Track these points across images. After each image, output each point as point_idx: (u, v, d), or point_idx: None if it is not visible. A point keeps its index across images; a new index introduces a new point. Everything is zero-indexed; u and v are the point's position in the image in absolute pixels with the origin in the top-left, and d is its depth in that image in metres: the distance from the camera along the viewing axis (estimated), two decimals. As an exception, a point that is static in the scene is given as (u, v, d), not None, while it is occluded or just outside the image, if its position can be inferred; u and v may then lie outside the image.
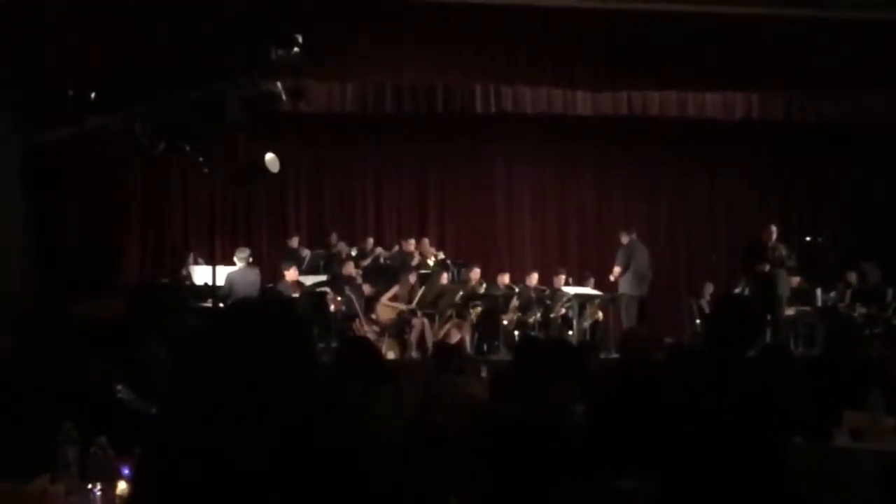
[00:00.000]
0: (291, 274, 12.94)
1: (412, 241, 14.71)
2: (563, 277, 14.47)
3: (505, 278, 14.36)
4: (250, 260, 12.65)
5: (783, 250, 13.14)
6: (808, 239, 14.55)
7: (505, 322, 13.60)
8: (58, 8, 11.71)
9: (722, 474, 4.03)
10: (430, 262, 14.42)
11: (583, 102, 13.83)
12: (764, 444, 4.07)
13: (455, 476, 4.42)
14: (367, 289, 13.60)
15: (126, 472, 3.23)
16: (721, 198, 16.74)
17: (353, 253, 14.39)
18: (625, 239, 13.91)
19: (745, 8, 12.96)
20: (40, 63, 11.80)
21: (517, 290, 14.05)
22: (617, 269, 13.77)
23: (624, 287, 13.64)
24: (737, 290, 14.30)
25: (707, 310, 14.12)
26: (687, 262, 16.49)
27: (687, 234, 16.66)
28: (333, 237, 14.84)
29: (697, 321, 14.25)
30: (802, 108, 14.25)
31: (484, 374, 9.61)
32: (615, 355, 10.48)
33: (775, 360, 5.86)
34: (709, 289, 14.77)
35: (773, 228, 13.35)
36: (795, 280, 14.03)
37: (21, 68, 11.92)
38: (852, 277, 14.17)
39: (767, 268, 12.99)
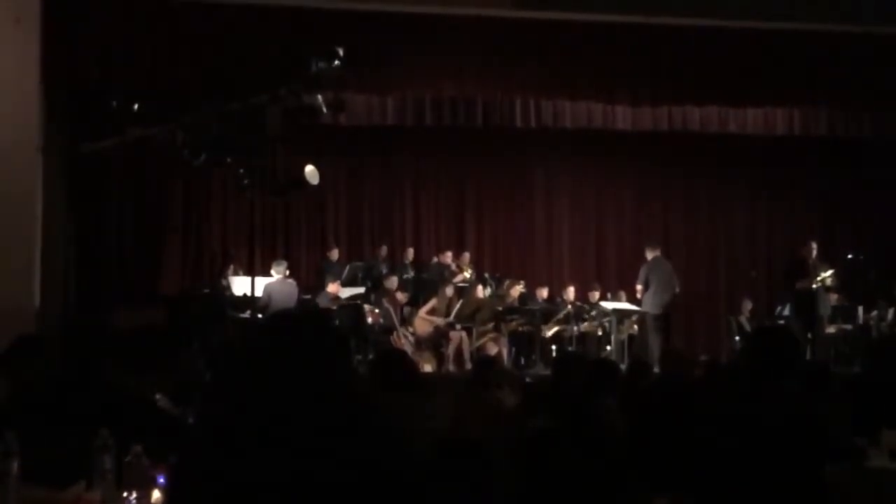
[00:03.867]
0: (334, 288, 12.97)
1: (449, 254, 14.72)
2: (598, 292, 14.45)
3: (543, 292, 14.34)
4: (287, 272, 12.70)
5: (824, 268, 13.00)
6: (849, 256, 14.40)
7: (543, 336, 13.59)
8: (102, 21, 11.84)
9: (760, 495, 4.00)
10: (468, 275, 14.43)
11: (623, 117, 13.77)
12: (802, 467, 4.03)
13: (488, 491, 4.41)
14: (403, 300, 13.62)
15: (161, 480, 3.25)
16: (761, 214, 16.62)
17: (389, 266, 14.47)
18: (649, 255, 13.82)
19: (787, 23, 12.87)
20: (84, 75, 11.94)
21: (557, 304, 14.03)
22: (639, 287, 13.71)
23: (645, 304, 13.55)
24: (778, 309, 14.19)
25: (746, 327, 14.02)
26: (726, 279, 16.37)
27: (726, 251, 16.54)
28: (383, 250, 14.91)
29: (736, 338, 14.14)
30: (844, 123, 14.11)
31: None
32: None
33: (815, 380, 5.79)
34: (747, 305, 14.66)
35: (814, 245, 13.23)
36: (835, 297, 13.90)
37: (65, 80, 12.06)
38: None
39: (808, 285, 12.87)
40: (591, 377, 5.11)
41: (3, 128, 11.22)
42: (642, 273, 13.68)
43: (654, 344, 13.26)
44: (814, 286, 12.88)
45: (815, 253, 13.17)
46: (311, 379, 2.50)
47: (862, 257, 14.32)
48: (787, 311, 13.82)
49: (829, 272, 12.94)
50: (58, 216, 12.41)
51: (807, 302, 12.89)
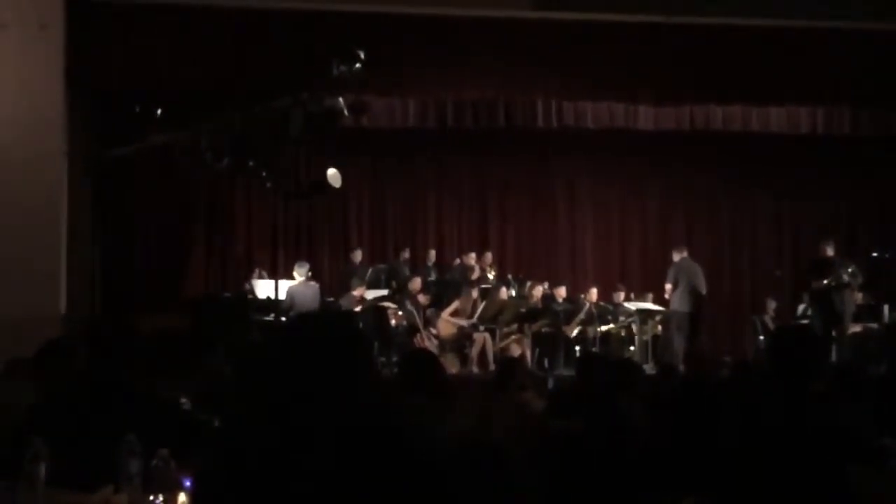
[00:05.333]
0: (358, 291, 12.98)
1: (472, 256, 14.72)
2: (622, 293, 14.44)
3: (563, 292, 14.32)
4: (310, 274, 12.73)
5: (846, 266, 12.93)
6: (874, 254, 14.31)
7: (567, 337, 13.58)
8: (125, 26, 11.91)
9: (785, 496, 3.98)
10: (491, 276, 14.43)
11: (645, 117, 13.73)
12: (827, 468, 4.01)
13: (513, 493, 4.40)
14: (426, 302, 13.62)
15: (187, 483, 3.26)
16: (786, 213, 16.55)
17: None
18: (676, 257, 13.79)
19: (810, 21, 12.81)
20: (108, 80, 12.01)
21: (580, 304, 14.01)
22: (668, 287, 13.68)
23: (674, 304, 13.52)
24: (800, 308, 14.11)
25: (771, 326, 13.96)
26: (751, 278, 16.31)
27: (751, 250, 16.49)
28: (406, 252, 14.94)
29: (761, 338, 14.08)
30: (868, 121, 14.03)
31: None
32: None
33: (840, 379, 5.76)
34: (772, 305, 14.61)
35: (831, 244, 13.18)
36: (860, 297, 13.83)
37: (90, 86, 12.14)
38: None
39: (825, 283, 12.81)
40: (614, 378, 5.09)
41: (29, 134, 11.31)
42: (671, 273, 13.64)
43: (679, 344, 13.23)
44: (825, 283, 12.82)
45: (831, 251, 13.11)
46: (334, 381, 2.51)
47: (887, 255, 14.21)
48: (809, 311, 13.77)
49: (849, 270, 12.85)
50: (82, 221, 12.49)
51: (826, 301, 12.84)
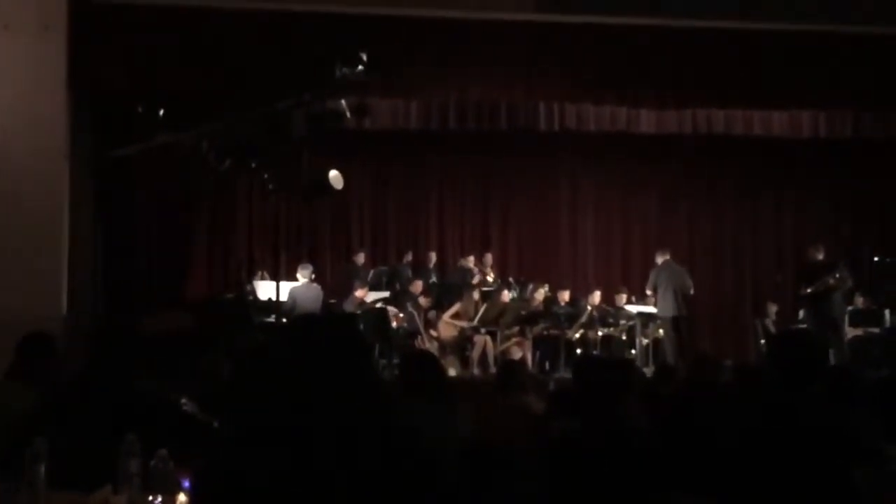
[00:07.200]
0: (360, 292, 12.99)
1: (472, 258, 14.72)
2: (624, 296, 14.44)
3: (565, 295, 14.32)
4: (313, 276, 12.74)
5: (834, 271, 12.94)
6: (876, 259, 14.31)
7: (568, 340, 13.58)
8: (128, 28, 11.92)
9: (786, 499, 3.99)
10: (490, 278, 14.43)
11: (647, 120, 13.73)
12: (828, 471, 4.01)
13: (513, 495, 4.41)
14: (427, 304, 13.63)
15: (186, 484, 3.27)
16: (788, 217, 16.54)
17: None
18: (658, 259, 13.81)
19: (812, 25, 12.80)
20: (110, 82, 12.02)
21: (581, 307, 14.01)
22: (648, 292, 13.71)
23: (658, 308, 13.55)
24: (801, 311, 14.09)
25: (772, 330, 13.96)
26: (752, 282, 16.30)
27: (752, 254, 16.48)
28: (409, 254, 14.95)
29: (762, 342, 14.08)
30: (870, 125, 14.02)
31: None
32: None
33: (840, 384, 5.76)
34: (773, 309, 14.61)
35: (821, 248, 13.21)
36: (861, 301, 13.84)
37: (92, 87, 12.14)
38: None
39: (808, 290, 12.84)
40: (611, 379, 5.09)
41: (31, 135, 11.32)
42: (651, 277, 13.71)
43: (669, 347, 13.27)
44: (808, 291, 12.85)
45: (821, 255, 13.13)
46: (334, 382, 2.51)
47: (888, 260, 14.21)
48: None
49: (836, 275, 12.86)
50: (85, 222, 12.49)
51: (817, 306, 12.86)
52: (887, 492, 4.28)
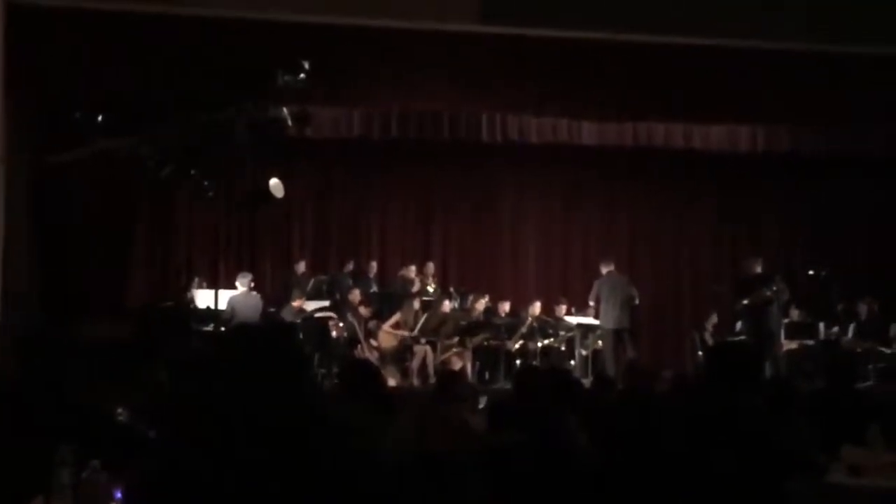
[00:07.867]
0: (299, 302, 12.93)
1: (413, 268, 14.70)
2: (564, 307, 14.50)
3: (505, 306, 14.36)
4: (252, 285, 12.66)
5: (771, 284, 13.12)
6: (811, 272, 14.53)
7: (508, 351, 13.61)
8: (67, 32, 11.77)
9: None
10: (431, 288, 14.43)
11: (588, 133, 13.84)
12: (762, 482, 4.06)
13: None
14: (367, 314, 13.59)
15: (118, 495, 3.23)
16: (726, 229, 16.71)
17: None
18: (603, 269, 13.94)
19: (752, 41, 12.95)
20: (49, 86, 11.86)
21: (521, 318, 14.05)
22: (591, 303, 13.83)
23: (600, 319, 13.67)
24: (738, 323, 14.24)
25: (709, 341, 14.10)
26: (692, 293, 16.45)
27: (691, 265, 16.63)
28: (350, 263, 14.87)
29: (699, 353, 14.21)
30: (808, 141, 14.26)
31: (482, 404, 9.57)
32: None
33: (776, 395, 5.83)
34: (712, 320, 14.75)
35: (759, 261, 13.40)
36: (796, 313, 14.05)
37: (30, 91, 11.97)
38: (862, 310, 14.02)
39: (745, 303, 13.01)
40: (549, 390, 5.12)
41: (-34, 139, 11.15)
42: (594, 288, 13.82)
43: (610, 358, 13.37)
44: (745, 303, 13.05)
45: (759, 268, 13.32)
46: (273, 393, 2.50)
47: (823, 273, 14.43)
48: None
49: (773, 288, 13.04)
50: (21, 228, 12.30)
51: (754, 318, 13.04)
52: (822, 503, 4.35)
